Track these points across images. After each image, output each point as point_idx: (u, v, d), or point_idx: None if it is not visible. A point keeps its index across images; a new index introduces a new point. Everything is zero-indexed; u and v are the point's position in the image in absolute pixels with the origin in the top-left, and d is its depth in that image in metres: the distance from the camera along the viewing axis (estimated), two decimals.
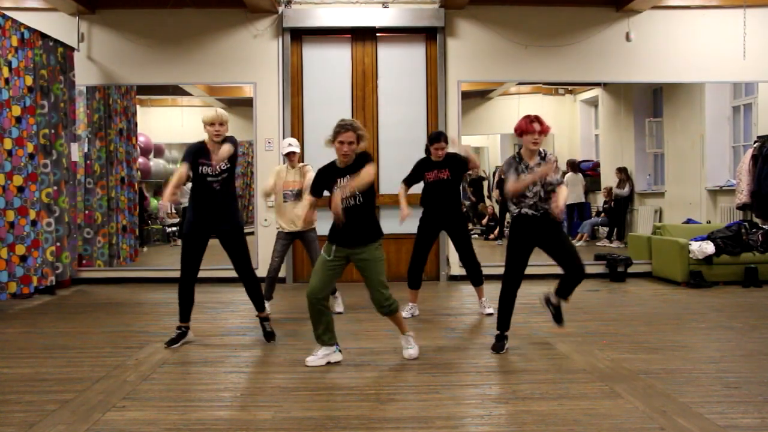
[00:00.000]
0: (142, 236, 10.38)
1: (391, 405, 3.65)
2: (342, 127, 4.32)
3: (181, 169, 4.89)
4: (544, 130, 4.66)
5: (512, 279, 4.76)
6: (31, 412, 3.55)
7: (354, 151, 4.35)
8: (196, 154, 4.91)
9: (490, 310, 6.09)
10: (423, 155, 6.18)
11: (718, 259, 7.84)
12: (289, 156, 6.21)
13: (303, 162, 6.50)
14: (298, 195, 6.16)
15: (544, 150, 4.75)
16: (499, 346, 4.82)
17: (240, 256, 5.10)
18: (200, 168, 4.91)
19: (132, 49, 8.50)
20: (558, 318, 4.92)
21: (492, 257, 9.20)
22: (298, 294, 7.52)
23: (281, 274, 7.30)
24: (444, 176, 6.00)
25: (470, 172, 8.27)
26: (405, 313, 6.03)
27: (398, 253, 8.25)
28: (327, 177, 4.48)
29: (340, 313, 6.26)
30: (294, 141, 6.32)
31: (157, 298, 7.35)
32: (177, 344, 5.03)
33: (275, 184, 6.22)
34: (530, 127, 4.63)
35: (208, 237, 5.05)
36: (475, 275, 6.17)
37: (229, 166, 4.98)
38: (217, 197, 4.96)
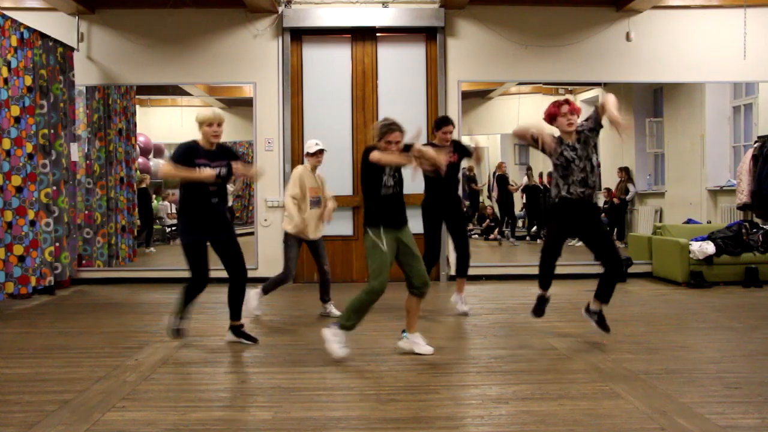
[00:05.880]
0: (149, 237, 10.37)
1: (391, 405, 3.64)
2: (389, 128, 4.46)
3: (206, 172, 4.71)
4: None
5: (552, 251, 4.99)
6: (31, 412, 3.54)
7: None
8: (193, 155, 4.69)
9: (466, 308, 6.14)
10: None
11: (718, 259, 7.83)
12: (317, 155, 6.03)
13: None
14: (318, 202, 6.07)
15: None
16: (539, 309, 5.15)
17: (239, 260, 5.02)
18: (198, 170, 4.69)
19: (132, 49, 8.49)
20: (603, 325, 5.00)
21: (491, 257, 9.19)
22: (298, 294, 7.52)
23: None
24: (454, 159, 6.01)
25: (471, 165, 8.20)
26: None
27: None
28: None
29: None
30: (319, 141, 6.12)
31: (156, 298, 7.34)
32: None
33: (301, 189, 5.97)
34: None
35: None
36: (464, 264, 6.16)
37: (227, 170, 4.84)
38: (212, 202, 4.81)
